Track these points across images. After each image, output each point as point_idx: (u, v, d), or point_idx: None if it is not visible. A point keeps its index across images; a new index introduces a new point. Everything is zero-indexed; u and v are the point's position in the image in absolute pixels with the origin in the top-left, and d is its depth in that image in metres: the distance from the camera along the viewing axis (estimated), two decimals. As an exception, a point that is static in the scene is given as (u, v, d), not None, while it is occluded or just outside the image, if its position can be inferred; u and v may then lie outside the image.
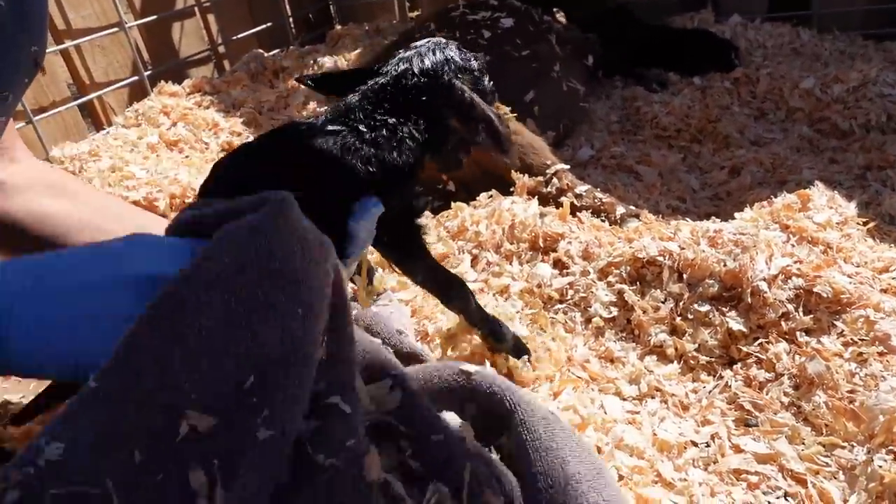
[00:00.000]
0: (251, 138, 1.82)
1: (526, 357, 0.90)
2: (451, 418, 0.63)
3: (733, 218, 1.26)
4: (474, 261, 1.13)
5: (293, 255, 0.48)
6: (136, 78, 1.91)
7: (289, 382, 0.44)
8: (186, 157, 1.64)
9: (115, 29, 1.80)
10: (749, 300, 0.95)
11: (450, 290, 0.83)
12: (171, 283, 0.43)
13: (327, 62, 2.32)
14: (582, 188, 1.32)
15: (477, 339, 0.92)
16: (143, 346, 0.41)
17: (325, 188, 0.68)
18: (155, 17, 1.98)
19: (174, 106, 1.78)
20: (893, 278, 0.99)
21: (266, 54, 2.34)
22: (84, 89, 1.82)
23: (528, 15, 1.90)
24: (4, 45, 0.62)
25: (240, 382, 0.42)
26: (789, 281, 0.96)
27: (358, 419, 0.50)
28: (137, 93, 1.93)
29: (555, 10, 2.34)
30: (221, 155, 1.77)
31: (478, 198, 1.30)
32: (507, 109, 1.47)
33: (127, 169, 1.42)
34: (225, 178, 0.70)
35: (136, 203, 1.33)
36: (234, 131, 1.79)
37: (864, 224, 1.17)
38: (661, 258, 1.02)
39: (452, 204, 1.30)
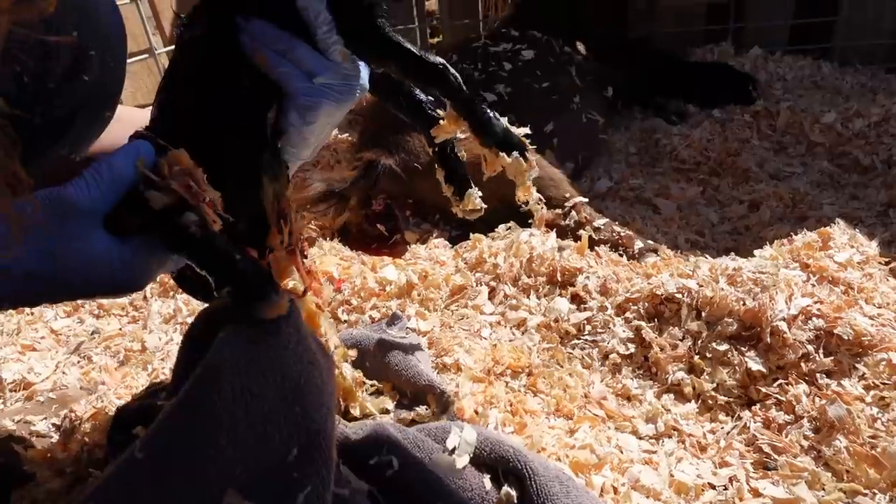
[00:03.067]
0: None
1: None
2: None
3: (752, 254, 1.25)
4: (492, 293, 1.14)
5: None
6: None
7: (328, 455, 0.45)
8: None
9: (146, 56, 1.86)
10: (768, 340, 0.94)
11: (429, 67, 0.73)
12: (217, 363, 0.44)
13: (349, 89, 2.36)
14: (600, 221, 1.32)
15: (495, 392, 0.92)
16: (192, 420, 0.42)
17: None
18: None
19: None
20: (917, 320, 0.98)
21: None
22: (113, 114, 1.86)
23: (548, 47, 1.93)
24: (92, 123, 0.65)
25: (284, 456, 0.43)
26: (809, 322, 0.95)
27: None
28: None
29: (576, 40, 2.37)
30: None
31: (496, 229, 1.31)
32: (527, 140, 1.49)
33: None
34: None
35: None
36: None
37: (887, 263, 1.16)
38: (679, 295, 1.02)
39: (471, 235, 1.31)
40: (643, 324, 1.02)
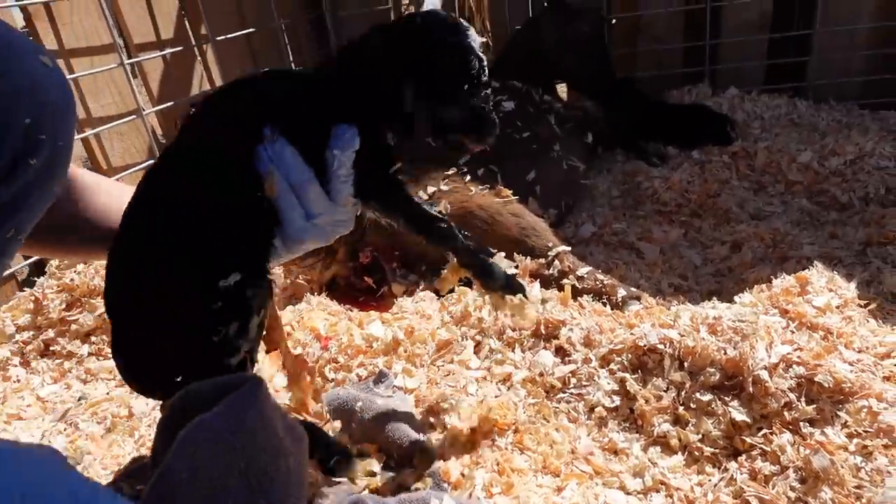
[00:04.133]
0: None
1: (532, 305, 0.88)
2: None
3: (734, 298, 1.27)
4: (477, 347, 1.14)
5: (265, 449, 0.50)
6: (152, 161, 1.98)
7: None
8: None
9: (133, 116, 1.89)
10: (751, 389, 0.95)
11: (433, 225, 0.81)
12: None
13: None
14: (583, 270, 1.34)
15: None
16: None
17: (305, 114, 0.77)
18: (172, 103, 2.07)
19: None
20: (895, 364, 0.99)
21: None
22: (101, 174, 1.89)
23: (528, 96, 1.97)
24: (39, 201, 0.66)
25: None
26: (790, 369, 0.96)
27: None
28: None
29: (557, 83, 2.43)
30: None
31: (481, 281, 1.32)
32: (509, 192, 1.52)
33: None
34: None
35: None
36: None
37: (865, 305, 1.17)
38: (661, 346, 1.03)
39: (456, 288, 1.32)
40: (627, 375, 1.02)
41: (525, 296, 0.86)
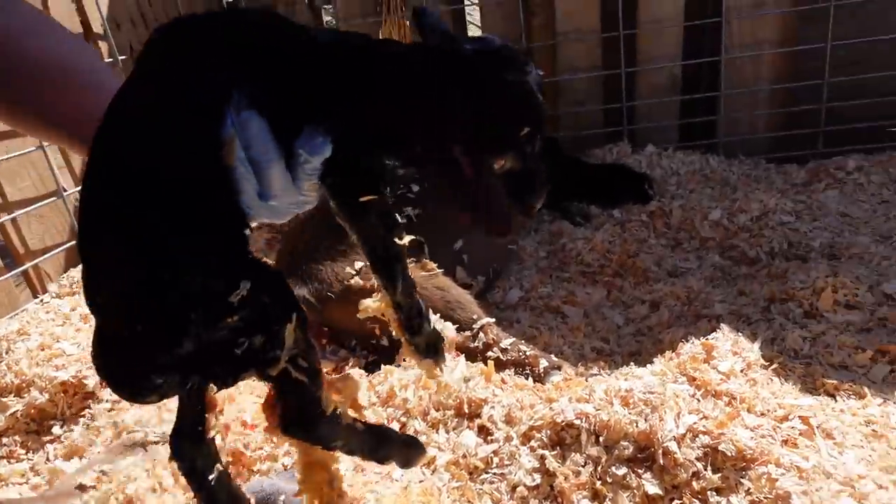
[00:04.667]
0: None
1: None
2: None
3: (653, 360, 1.33)
4: (402, 430, 1.15)
5: None
6: (73, 243, 1.94)
7: None
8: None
9: (54, 198, 1.85)
10: (661, 461, 0.99)
11: (394, 263, 0.70)
12: None
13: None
14: (507, 342, 1.38)
15: None
16: None
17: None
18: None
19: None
20: (793, 427, 1.05)
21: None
22: (19, 258, 1.84)
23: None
24: None
25: None
26: (697, 439, 1.01)
27: None
28: (74, 258, 1.96)
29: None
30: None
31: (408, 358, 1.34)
32: (434, 266, 1.55)
33: (56, 346, 1.42)
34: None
35: (63, 384, 1.32)
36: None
37: (768, 366, 1.25)
38: (578, 421, 1.06)
39: (382, 366, 1.33)
40: (547, 452, 1.05)
41: (439, 362, 0.79)
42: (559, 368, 1.31)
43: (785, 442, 1.03)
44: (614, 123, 2.76)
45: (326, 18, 3.58)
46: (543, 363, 1.32)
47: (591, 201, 2.29)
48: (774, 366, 1.27)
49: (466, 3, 3.05)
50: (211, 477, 0.65)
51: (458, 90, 0.64)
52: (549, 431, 1.08)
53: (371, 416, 1.19)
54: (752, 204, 2.04)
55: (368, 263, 0.70)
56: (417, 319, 0.74)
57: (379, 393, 1.26)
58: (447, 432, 1.13)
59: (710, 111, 2.71)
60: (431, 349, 0.77)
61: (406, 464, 0.74)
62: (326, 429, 0.67)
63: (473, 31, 3.92)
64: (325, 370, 1.47)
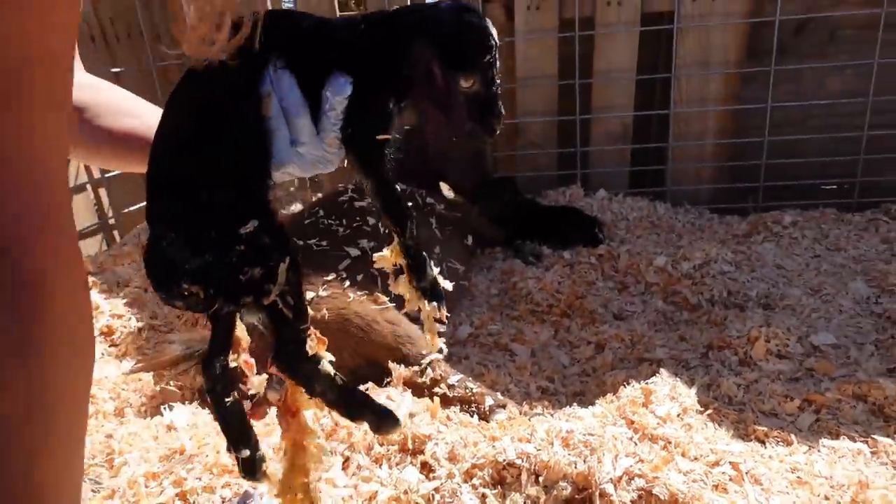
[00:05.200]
0: (133, 321, 1.80)
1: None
2: None
3: (595, 402, 1.36)
4: (345, 464, 1.15)
5: None
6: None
7: None
8: (59, 343, 1.59)
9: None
10: (598, 503, 1.02)
11: (398, 203, 0.82)
12: None
13: (222, 232, 2.38)
14: (454, 378, 1.39)
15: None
16: None
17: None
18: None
19: (52, 289, 1.75)
20: (723, 472, 1.10)
21: (159, 224, 2.37)
22: None
23: (411, 199, 2.07)
24: None
25: None
26: (633, 482, 1.04)
27: None
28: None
29: (442, 184, 2.56)
30: (100, 338, 1.74)
31: (354, 391, 1.34)
32: (386, 299, 1.57)
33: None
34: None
35: None
36: (116, 313, 1.77)
37: (703, 411, 1.30)
38: (519, 461, 1.08)
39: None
40: (488, 491, 1.06)
41: (441, 307, 0.87)
42: (504, 407, 1.33)
43: (716, 487, 1.07)
44: (568, 167, 2.85)
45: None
46: (489, 401, 1.34)
47: (543, 241, 2.35)
48: (709, 411, 1.32)
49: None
50: (227, 401, 0.80)
51: (436, 26, 0.83)
52: (490, 470, 1.09)
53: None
54: (696, 252, 2.13)
55: (381, 210, 0.82)
56: (423, 263, 0.85)
57: (323, 426, 1.26)
58: (390, 468, 1.13)
59: (660, 161, 2.83)
60: (436, 294, 0.86)
61: (378, 429, 0.81)
62: (308, 368, 0.81)
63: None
64: (273, 400, 1.46)
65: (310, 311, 0.81)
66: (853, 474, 1.12)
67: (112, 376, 1.53)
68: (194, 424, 1.34)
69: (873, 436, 1.26)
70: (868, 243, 2.22)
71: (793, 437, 1.27)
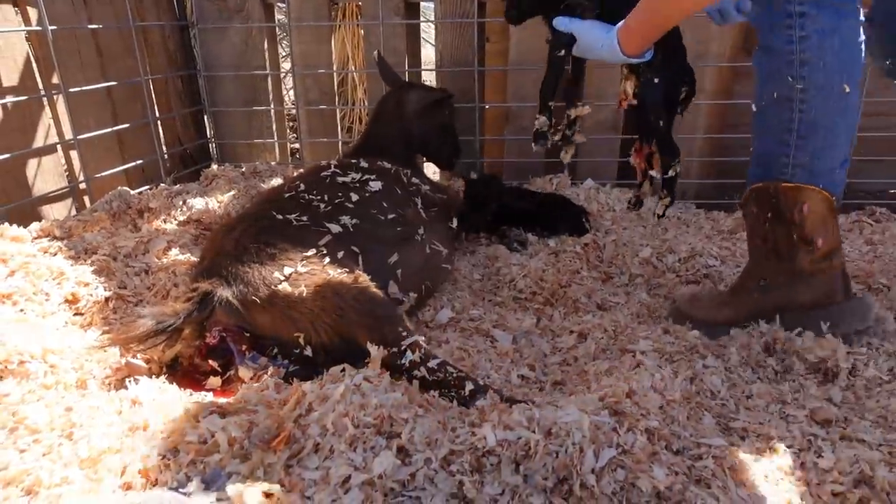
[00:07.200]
0: (101, 289, 1.73)
1: None
2: None
3: (577, 389, 1.33)
4: (317, 447, 1.10)
5: None
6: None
7: None
8: (21, 310, 1.52)
9: (-41, 168, 1.71)
10: (578, 493, 0.99)
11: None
12: None
13: (198, 203, 2.30)
14: (435, 361, 1.35)
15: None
16: None
17: None
18: (7, 155, 1.90)
19: (15, 253, 1.67)
20: (706, 466, 1.07)
21: (132, 192, 2.29)
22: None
23: (396, 177, 2.02)
24: None
25: None
26: (615, 472, 1.01)
27: None
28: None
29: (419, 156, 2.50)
30: (63, 306, 1.66)
31: (330, 371, 1.29)
32: (367, 278, 1.51)
33: None
34: None
35: None
36: (82, 281, 1.69)
37: (686, 405, 1.27)
38: (499, 448, 1.05)
39: (294, 380, 1.28)
40: (466, 478, 1.03)
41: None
42: (485, 393, 1.29)
43: (698, 481, 1.05)
44: (557, 155, 2.80)
45: (279, 17, 3.51)
46: (470, 386, 1.30)
47: (528, 229, 2.31)
48: (692, 405, 1.29)
49: (422, 19, 3.05)
50: None
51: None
52: (469, 457, 1.06)
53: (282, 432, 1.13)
54: (681, 246, 2.11)
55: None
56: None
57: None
58: (364, 451, 1.09)
59: (648, 153, 2.80)
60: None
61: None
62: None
63: (426, 49, 3.94)
64: (246, 378, 1.40)
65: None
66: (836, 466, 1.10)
67: (76, 346, 1.46)
68: (161, 401, 1.28)
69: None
70: (852, 244, 2.22)
71: (774, 431, 1.25)
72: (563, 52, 1.73)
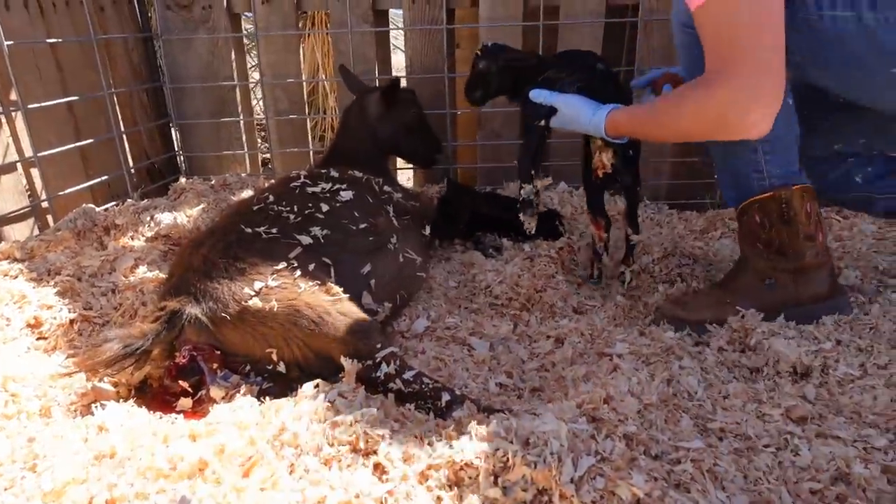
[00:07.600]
0: (65, 311, 1.67)
1: None
2: None
3: (556, 394, 1.32)
4: (292, 468, 1.07)
5: None
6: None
7: None
8: (-19, 337, 1.46)
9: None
10: (558, 503, 0.97)
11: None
12: None
13: (166, 218, 2.25)
14: (410, 374, 1.33)
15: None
16: None
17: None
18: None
19: (-27, 277, 1.62)
20: (685, 470, 1.07)
21: (98, 209, 2.23)
22: None
23: (368, 186, 1.99)
24: None
25: None
26: (594, 480, 1.00)
27: None
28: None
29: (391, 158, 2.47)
30: (26, 331, 1.61)
31: (302, 388, 1.27)
32: (339, 290, 1.49)
33: None
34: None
35: None
36: (44, 303, 1.64)
37: (664, 408, 1.27)
38: (477, 461, 1.03)
39: (268, 399, 1.25)
40: (444, 493, 1.01)
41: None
42: (462, 403, 1.27)
43: (677, 485, 1.04)
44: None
45: (246, 27, 3.47)
46: (446, 397, 1.28)
47: (503, 234, 2.30)
48: (669, 407, 1.29)
49: (391, 27, 3.03)
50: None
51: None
52: (447, 471, 1.04)
53: (257, 453, 1.11)
54: (655, 248, 2.12)
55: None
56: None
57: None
58: (340, 470, 1.07)
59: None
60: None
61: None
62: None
63: (398, 55, 3.92)
64: (217, 397, 1.36)
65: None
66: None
67: (39, 373, 1.42)
68: (129, 426, 1.25)
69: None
70: (821, 240, 2.24)
71: (750, 430, 1.25)
72: (542, 122, 1.78)
